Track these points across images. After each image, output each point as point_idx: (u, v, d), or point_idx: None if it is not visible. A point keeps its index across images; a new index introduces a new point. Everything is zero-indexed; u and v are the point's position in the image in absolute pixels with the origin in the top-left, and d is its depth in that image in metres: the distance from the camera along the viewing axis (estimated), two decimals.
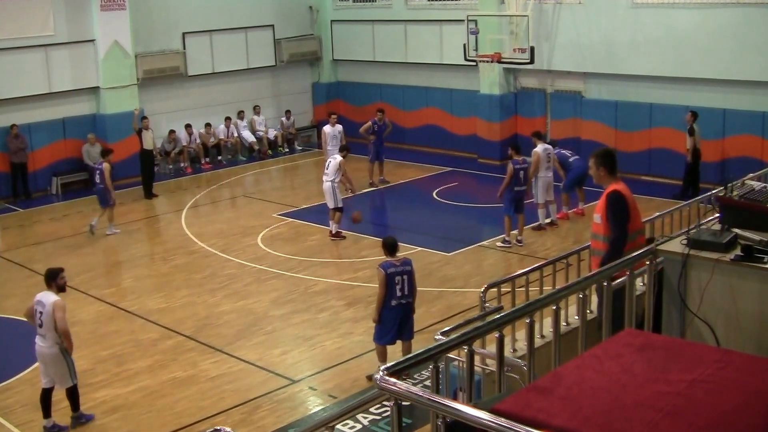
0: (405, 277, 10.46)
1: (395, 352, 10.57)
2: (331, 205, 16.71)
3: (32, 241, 17.68)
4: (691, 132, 18.06)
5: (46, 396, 9.96)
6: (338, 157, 16.75)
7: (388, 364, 4.23)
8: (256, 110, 25.24)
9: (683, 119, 18.35)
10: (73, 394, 10.05)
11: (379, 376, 4.12)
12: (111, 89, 22.02)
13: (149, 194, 20.65)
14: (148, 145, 20.44)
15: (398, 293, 10.45)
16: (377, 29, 25.52)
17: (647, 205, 17.60)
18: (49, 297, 9.78)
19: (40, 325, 9.77)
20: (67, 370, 9.88)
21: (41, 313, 9.75)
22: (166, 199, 21.24)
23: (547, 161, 16.80)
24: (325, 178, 16.75)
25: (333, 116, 21.00)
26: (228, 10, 24.59)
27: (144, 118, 20.76)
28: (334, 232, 16.73)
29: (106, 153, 18.09)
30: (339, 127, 20.49)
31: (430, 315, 12.77)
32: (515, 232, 16.04)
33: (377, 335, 10.75)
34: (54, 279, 9.91)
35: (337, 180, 16.61)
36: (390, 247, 10.61)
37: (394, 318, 10.53)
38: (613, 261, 6.64)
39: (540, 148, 16.83)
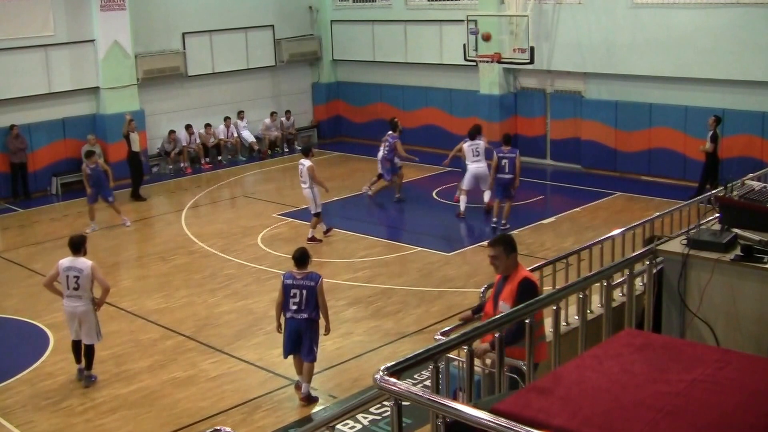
0: (303, 291, 10.02)
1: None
2: (312, 210, 16.54)
3: (32, 241, 17.68)
4: (714, 138, 17.86)
5: (76, 346, 11.10)
6: (307, 162, 16.35)
7: (388, 364, 4.23)
8: (273, 117, 25.19)
9: (706, 123, 18.00)
10: (90, 353, 11.07)
11: (379, 377, 4.12)
12: (111, 89, 22.01)
13: (137, 197, 20.66)
14: (135, 147, 20.35)
15: (292, 306, 10.06)
16: (377, 29, 25.52)
17: (647, 204, 17.69)
18: (84, 261, 10.83)
19: (76, 288, 10.76)
20: (95, 327, 10.99)
21: (77, 277, 10.75)
22: (166, 199, 21.25)
23: (474, 154, 17.82)
24: (303, 185, 16.44)
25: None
26: (228, 10, 24.59)
27: (131, 120, 20.58)
28: (310, 236, 16.57)
29: (88, 155, 18.17)
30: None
31: (430, 315, 12.78)
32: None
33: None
34: (83, 244, 10.97)
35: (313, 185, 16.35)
36: (295, 260, 10.22)
37: (288, 330, 10.17)
38: (515, 340, 6.16)
39: (466, 144, 18.05)
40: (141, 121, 22.49)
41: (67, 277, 10.81)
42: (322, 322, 10.35)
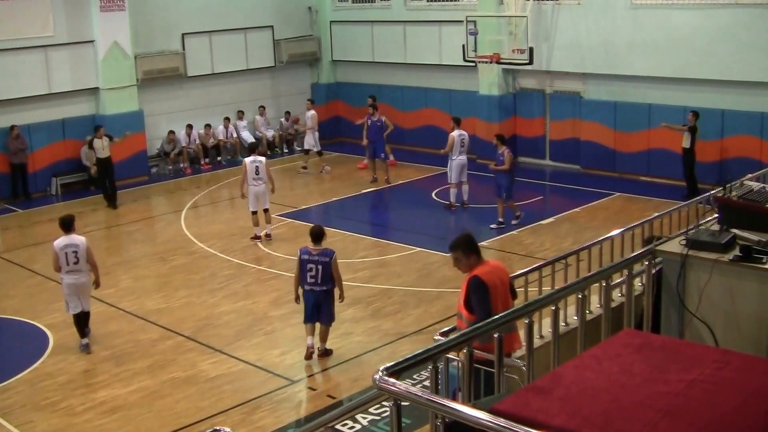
0: (319, 267, 11.10)
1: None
2: (267, 206, 16.72)
3: (32, 242, 17.67)
4: (693, 130, 18.09)
5: (79, 319, 12.07)
6: (264, 159, 16.84)
7: (388, 365, 4.24)
8: (261, 111, 25.26)
9: (687, 120, 18.31)
10: (87, 317, 12.21)
11: (378, 377, 4.13)
12: (110, 90, 22.01)
13: (112, 203, 20.10)
14: (101, 154, 19.89)
15: (309, 279, 11.16)
16: (376, 30, 25.53)
17: (646, 205, 17.71)
18: (79, 238, 11.94)
19: (76, 262, 11.76)
20: (89, 295, 12.14)
21: (75, 252, 11.75)
22: (166, 199, 21.27)
23: (461, 146, 18.24)
24: (259, 182, 16.47)
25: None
26: (227, 10, 24.58)
27: (98, 126, 20.24)
28: (269, 231, 16.89)
29: None
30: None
31: (429, 315, 12.78)
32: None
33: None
34: (74, 222, 12.11)
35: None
36: (313, 236, 11.31)
37: (308, 301, 11.30)
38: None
39: (455, 133, 18.29)
40: (140, 121, 22.52)
41: (66, 254, 11.73)
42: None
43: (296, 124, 25.20)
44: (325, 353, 11.54)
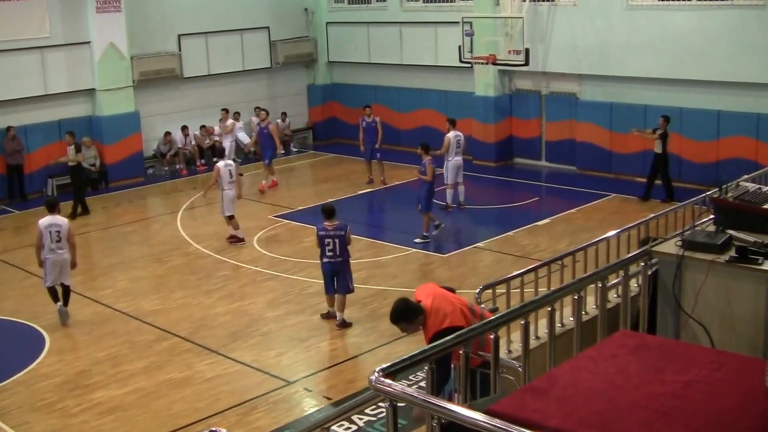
0: (336, 240, 12.28)
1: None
2: (229, 212, 16.69)
3: (28, 243, 17.49)
4: (664, 136, 18.07)
5: (54, 290, 13.06)
6: (234, 163, 17.23)
7: (384, 366, 4.24)
8: (257, 112, 25.08)
9: (657, 124, 18.32)
10: (69, 292, 13.26)
11: (374, 378, 4.14)
12: (107, 91, 22.00)
13: (74, 213, 19.00)
14: (71, 162, 19.44)
15: (328, 252, 12.36)
16: (372, 31, 25.53)
17: (642, 206, 17.73)
18: (62, 218, 12.99)
19: (58, 241, 12.76)
20: (69, 271, 13.11)
21: (58, 232, 12.76)
22: (162, 200, 21.25)
23: (456, 147, 18.21)
24: (231, 185, 16.56)
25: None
26: (223, 12, 24.57)
27: (67, 133, 19.85)
28: (240, 236, 16.89)
29: None
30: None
31: None
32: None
33: None
34: (58, 204, 13.14)
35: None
36: (325, 213, 12.48)
37: (327, 272, 12.49)
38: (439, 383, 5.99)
39: (451, 134, 18.31)
40: (137, 122, 22.52)
41: (50, 232, 12.72)
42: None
43: (210, 134, 24.22)
44: (343, 324, 12.51)
